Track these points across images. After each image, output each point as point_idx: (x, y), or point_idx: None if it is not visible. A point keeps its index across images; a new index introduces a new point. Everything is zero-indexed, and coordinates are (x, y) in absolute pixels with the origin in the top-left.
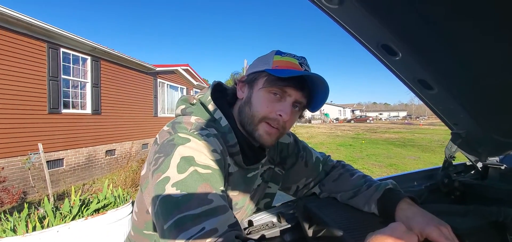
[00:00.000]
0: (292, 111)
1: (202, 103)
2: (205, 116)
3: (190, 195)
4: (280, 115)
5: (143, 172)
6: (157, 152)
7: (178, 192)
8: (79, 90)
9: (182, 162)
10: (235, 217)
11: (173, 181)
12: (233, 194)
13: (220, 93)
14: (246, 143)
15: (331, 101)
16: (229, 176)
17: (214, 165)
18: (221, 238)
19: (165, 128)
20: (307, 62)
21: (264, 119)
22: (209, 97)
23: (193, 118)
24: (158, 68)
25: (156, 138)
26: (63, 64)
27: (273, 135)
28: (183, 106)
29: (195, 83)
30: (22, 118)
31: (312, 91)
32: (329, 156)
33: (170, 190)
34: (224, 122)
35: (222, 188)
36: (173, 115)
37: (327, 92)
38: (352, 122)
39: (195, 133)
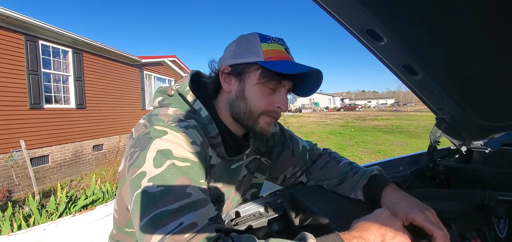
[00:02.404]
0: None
1: (180, 94)
2: (184, 107)
3: (167, 190)
4: (279, 107)
5: (120, 168)
6: (132, 146)
7: (155, 187)
8: (62, 85)
9: (158, 155)
10: (216, 210)
11: (149, 175)
12: (216, 186)
13: (199, 83)
14: (228, 134)
15: (321, 90)
16: (211, 168)
17: (193, 158)
18: (200, 232)
19: (141, 121)
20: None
21: (264, 113)
22: (187, 87)
23: (171, 110)
24: (144, 60)
25: (132, 132)
26: (42, 57)
27: (272, 124)
28: (160, 98)
29: (183, 74)
30: (1, 114)
31: (300, 76)
32: (315, 144)
33: (146, 185)
34: (204, 113)
35: (202, 181)
36: None
37: (320, 81)
38: (341, 110)
39: (172, 125)
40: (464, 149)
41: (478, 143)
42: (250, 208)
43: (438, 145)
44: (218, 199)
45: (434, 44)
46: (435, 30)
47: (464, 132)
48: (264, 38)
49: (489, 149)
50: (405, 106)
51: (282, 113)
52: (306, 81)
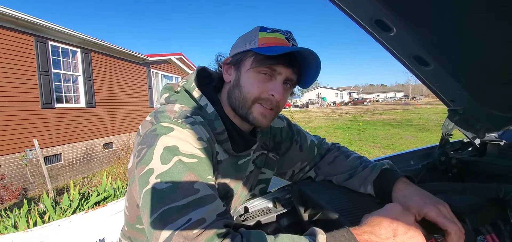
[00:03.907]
0: (284, 89)
1: (186, 90)
2: (190, 103)
3: (175, 186)
4: (273, 95)
5: (129, 165)
6: (140, 144)
7: (163, 183)
8: (72, 84)
9: (165, 152)
10: (224, 205)
11: (157, 172)
12: (224, 182)
13: (205, 79)
14: (235, 129)
15: (328, 84)
16: (219, 164)
17: (200, 154)
18: (209, 228)
19: (148, 118)
20: (293, 36)
21: (256, 100)
22: (193, 83)
23: (177, 107)
24: (150, 58)
25: (139, 129)
26: (52, 58)
27: (268, 116)
28: (166, 95)
29: (190, 72)
30: (15, 115)
31: (302, 66)
32: (324, 139)
33: (154, 182)
34: (210, 109)
35: (209, 176)
36: None
37: (318, 66)
38: (349, 104)
39: (178, 121)
40: (477, 141)
41: (492, 135)
42: (259, 204)
43: (451, 137)
44: (226, 194)
45: (446, 33)
46: (447, 17)
47: (478, 124)
48: (264, 28)
49: (504, 141)
50: (414, 99)
51: (288, 108)
52: (308, 70)
